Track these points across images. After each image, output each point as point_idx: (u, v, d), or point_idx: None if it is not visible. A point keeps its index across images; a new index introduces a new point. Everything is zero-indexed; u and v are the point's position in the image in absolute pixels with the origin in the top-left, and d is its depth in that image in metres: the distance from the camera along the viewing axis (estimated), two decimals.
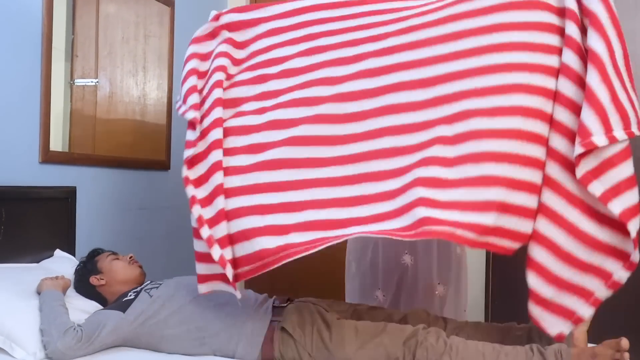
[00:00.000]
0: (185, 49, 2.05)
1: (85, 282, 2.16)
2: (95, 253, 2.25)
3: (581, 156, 1.56)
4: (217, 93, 1.87)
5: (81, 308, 2.06)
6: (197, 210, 1.74)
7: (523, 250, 1.68)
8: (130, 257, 2.21)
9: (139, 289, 2.06)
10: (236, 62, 1.99)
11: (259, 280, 1.97)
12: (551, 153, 1.61)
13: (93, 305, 2.11)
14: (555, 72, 1.61)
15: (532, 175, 1.60)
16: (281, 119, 1.82)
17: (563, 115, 1.60)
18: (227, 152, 1.80)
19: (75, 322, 1.89)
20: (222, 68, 1.93)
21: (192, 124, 1.85)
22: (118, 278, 2.15)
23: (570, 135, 1.59)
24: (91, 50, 2.80)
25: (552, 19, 1.65)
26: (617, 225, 1.58)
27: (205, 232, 1.71)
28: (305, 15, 1.98)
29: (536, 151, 1.60)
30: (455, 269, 2.46)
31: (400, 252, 2.45)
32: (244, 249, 1.70)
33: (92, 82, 2.81)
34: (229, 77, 1.94)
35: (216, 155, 1.78)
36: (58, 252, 2.43)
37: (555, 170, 1.61)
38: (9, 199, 2.24)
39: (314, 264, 3.74)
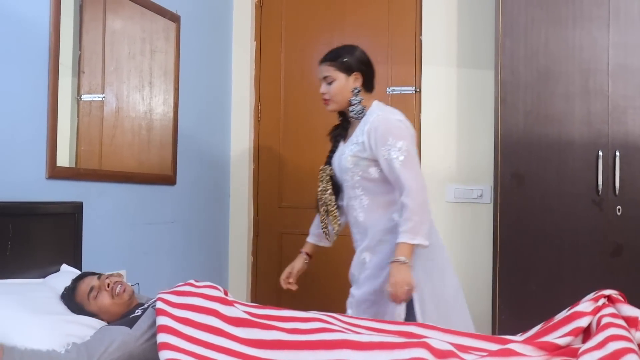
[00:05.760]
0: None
1: None
2: (70, 293, 2.13)
3: None
4: None
5: (87, 323, 2.04)
6: None
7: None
8: (107, 285, 2.11)
9: (145, 305, 2.05)
10: None
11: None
12: None
13: (98, 321, 2.10)
14: None
15: None
16: None
17: None
18: None
19: (82, 338, 1.89)
20: None
21: None
22: (113, 312, 2.10)
23: None
24: (98, 66, 2.82)
25: None
26: None
27: None
28: None
29: None
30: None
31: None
32: None
33: (98, 97, 2.82)
34: None
35: None
36: (64, 267, 2.43)
37: None
38: (16, 215, 2.25)
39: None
